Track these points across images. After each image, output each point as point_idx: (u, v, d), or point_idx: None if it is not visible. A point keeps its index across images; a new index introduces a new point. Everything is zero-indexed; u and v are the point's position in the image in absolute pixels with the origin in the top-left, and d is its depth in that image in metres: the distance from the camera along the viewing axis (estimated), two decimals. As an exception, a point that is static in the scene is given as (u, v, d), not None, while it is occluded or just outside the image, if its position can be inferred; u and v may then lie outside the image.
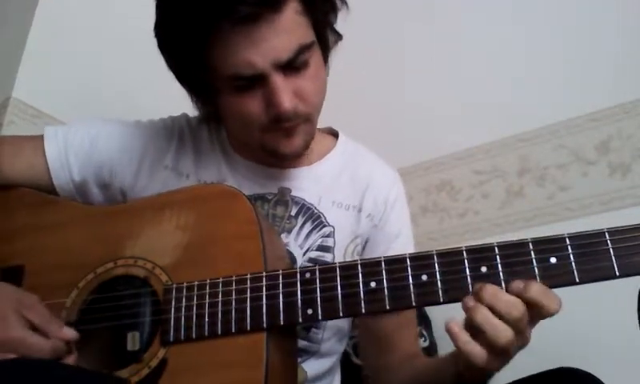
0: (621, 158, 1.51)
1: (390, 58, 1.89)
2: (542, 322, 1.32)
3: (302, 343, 1.04)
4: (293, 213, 1.09)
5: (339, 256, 1.08)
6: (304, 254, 1.07)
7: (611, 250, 0.77)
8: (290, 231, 1.08)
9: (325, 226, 1.09)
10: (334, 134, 1.22)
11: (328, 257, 1.07)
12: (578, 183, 1.55)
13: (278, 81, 0.94)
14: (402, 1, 1.90)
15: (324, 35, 1.03)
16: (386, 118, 1.83)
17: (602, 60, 1.57)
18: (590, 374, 0.80)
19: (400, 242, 1.12)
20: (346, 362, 1.31)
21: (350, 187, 1.14)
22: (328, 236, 1.08)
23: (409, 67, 1.86)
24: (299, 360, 1.04)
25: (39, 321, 0.84)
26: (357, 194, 1.13)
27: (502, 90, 1.70)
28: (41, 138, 1.13)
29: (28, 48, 1.54)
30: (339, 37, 1.07)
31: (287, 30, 0.93)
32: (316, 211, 1.10)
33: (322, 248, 1.08)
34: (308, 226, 1.08)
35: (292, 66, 0.95)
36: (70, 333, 0.86)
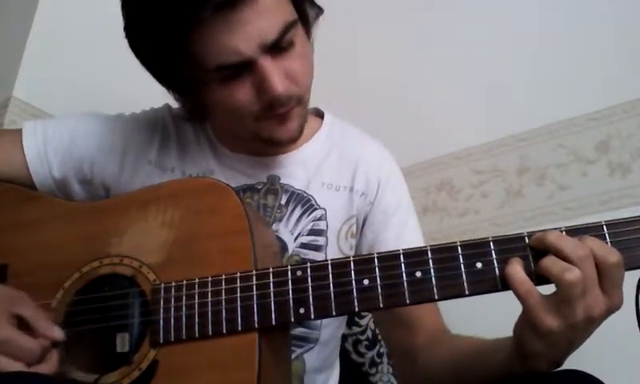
0: (621, 158, 1.50)
1: (390, 58, 1.88)
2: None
3: (301, 331, 1.03)
4: (283, 201, 1.06)
5: (333, 239, 1.06)
6: (295, 239, 1.05)
7: (609, 243, 0.75)
8: (280, 220, 1.05)
9: (315, 208, 1.07)
10: (320, 115, 1.18)
11: (321, 240, 1.05)
12: (578, 183, 1.54)
13: (267, 64, 0.90)
14: (403, 1, 1.90)
15: (304, 11, 0.99)
16: (385, 117, 1.82)
17: (602, 60, 1.56)
18: (590, 376, 0.78)
19: (399, 216, 1.09)
20: (345, 360, 1.31)
21: (339, 167, 1.11)
22: (320, 219, 1.06)
23: (409, 67, 1.85)
24: (300, 350, 1.03)
25: (29, 317, 0.83)
26: (347, 174, 1.10)
27: (502, 90, 1.69)
28: (19, 132, 1.11)
29: (28, 48, 1.55)
30: (320, 10, 1.03)
31: (269, 11, 0.89)
32: (305, 195, 1.07)
33: (314, 232, 1.06)
34: (298, 211, 1.06)
35: (278, 48, 0.92)
36: (58, 333, 0.84)
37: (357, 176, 1.10)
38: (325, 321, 1.06)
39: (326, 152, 1.13)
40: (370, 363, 1.40)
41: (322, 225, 1.06)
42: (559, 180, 1.57)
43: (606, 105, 1.54)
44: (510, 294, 0.76)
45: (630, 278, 0.75)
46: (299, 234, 1.05)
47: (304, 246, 1.05)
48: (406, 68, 1.85)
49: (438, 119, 1.77)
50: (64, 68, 1.60)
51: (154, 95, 1.31)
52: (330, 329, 1.08)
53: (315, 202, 1.07)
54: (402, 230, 1.08)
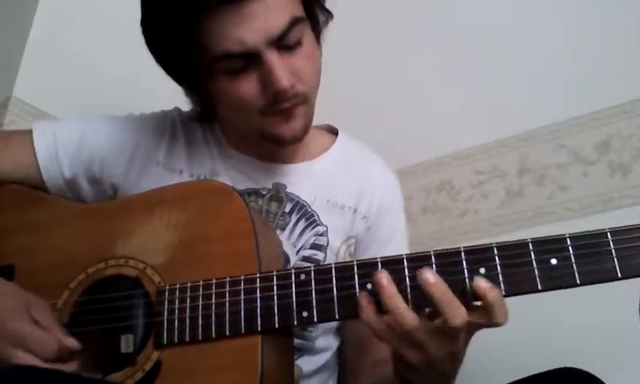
0: (621, 158, 1.50)
1: (390, 58, 1.88)
2: (543, 321, 1.33)
3: (296, 341, 1.02)
4: (287, 209, 1.07)
5: (331, 255, 1.07)
6: (297, 253, 1.06)
7: (613, 250, 0.74)
8: (283, 228, 1.06)
9: (318, 224, 1.08)
10: (334, 132, 1.19)
11: (320, 255, 1.06)
12: (578, 183, 1.54)
13: (274, 59, 0.92)
14: (403, 1, 1.90)
15: (314, 13, 1.01)
16: (385, 117, 1.82)
17: (602, 60, 1.56)
18: (591, 375, 0.80)
19: (390, 248, 1.10)
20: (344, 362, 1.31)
21: (346, 187, 1.12)
22: (321, 235, 1.07)
23: (409, 67, 1.85)
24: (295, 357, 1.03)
25: (46, 323, 0.83)
26: (353, 195, 1.11)
27: (502, 90, 1.68)
28: (29, 132, 1.11)
29: (28, 48, 1.55)
30: (330, 15, 1.05)
31: (277, 5, 0.91)
32: (310, 210, 1.08)
33: (315, 246, 1.07)
34: (301, 224, 1.07)
35: (285, 45, 0.93)
36: (74, 343, 0.84)
37: (362, 198, 1.12)
38: (318, 332, 1.07)
39: (336, 169, 1.14)
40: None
41: (322, 240, 1.07)
42: (559, 180, 1.57)
43: (607, 105, 1.53)
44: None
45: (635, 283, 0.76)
46: (302, 247, 1.06)
47: (305, 259, 1.06)
48: (406, 68, 1.85)
49: (438, 119, 1.76)
50: (64, 68, 1.60)
51: (154, 95, 1.31)
52: (322, 339, 1.09)
53: (318, 218, 1.08)
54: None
